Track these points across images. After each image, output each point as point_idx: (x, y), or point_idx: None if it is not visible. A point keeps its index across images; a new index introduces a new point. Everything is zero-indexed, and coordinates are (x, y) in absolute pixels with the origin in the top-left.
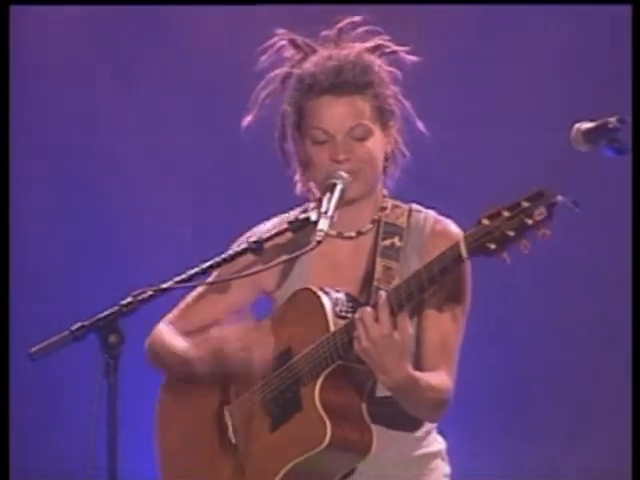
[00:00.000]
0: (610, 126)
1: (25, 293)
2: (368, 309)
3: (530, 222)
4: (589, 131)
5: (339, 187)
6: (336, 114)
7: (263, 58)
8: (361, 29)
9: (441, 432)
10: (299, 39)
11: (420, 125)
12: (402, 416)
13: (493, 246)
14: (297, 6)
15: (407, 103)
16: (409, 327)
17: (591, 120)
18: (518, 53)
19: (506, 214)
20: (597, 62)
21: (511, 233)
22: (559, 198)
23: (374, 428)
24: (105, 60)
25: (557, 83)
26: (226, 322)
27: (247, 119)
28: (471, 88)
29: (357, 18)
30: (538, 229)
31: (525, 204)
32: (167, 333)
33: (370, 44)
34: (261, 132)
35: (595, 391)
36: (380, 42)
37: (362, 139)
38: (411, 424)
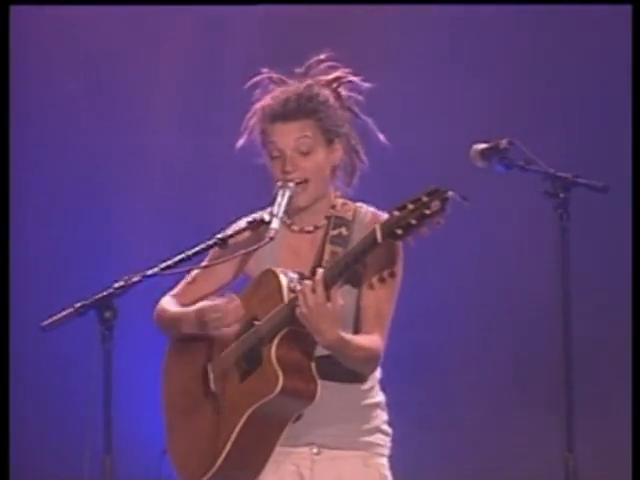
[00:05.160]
0: (501, 147)
1: (25, 288)
2: (307, 282)
3: (428, 212)
4: (484, 151)
5: (287, 194)
6: (285, 133)
7: (256, 92)
8: (325, 65)
9: (382, 387)
10: (275, 76)
11: (381, 137)
12: (351, 373)
13: (400, 232)
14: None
15: (369, 120)
16: (339, 299)
17: (485, 142)
18: (516, 52)
19: (410, 206)
20: (597, 62)
21: (413, 221)
22: (450, 193)
23: (327, 383)
24: (105, 59)
25: (556, 83)
26: (213, 296)
27: (240, 142)
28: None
29: (322, 56)
30: (434, 218)
31: (424, 198)
32: (168, 303)
33: (330, 76)
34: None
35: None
36: (338, 74)
37: (306, 153)
38: (359, 379)
